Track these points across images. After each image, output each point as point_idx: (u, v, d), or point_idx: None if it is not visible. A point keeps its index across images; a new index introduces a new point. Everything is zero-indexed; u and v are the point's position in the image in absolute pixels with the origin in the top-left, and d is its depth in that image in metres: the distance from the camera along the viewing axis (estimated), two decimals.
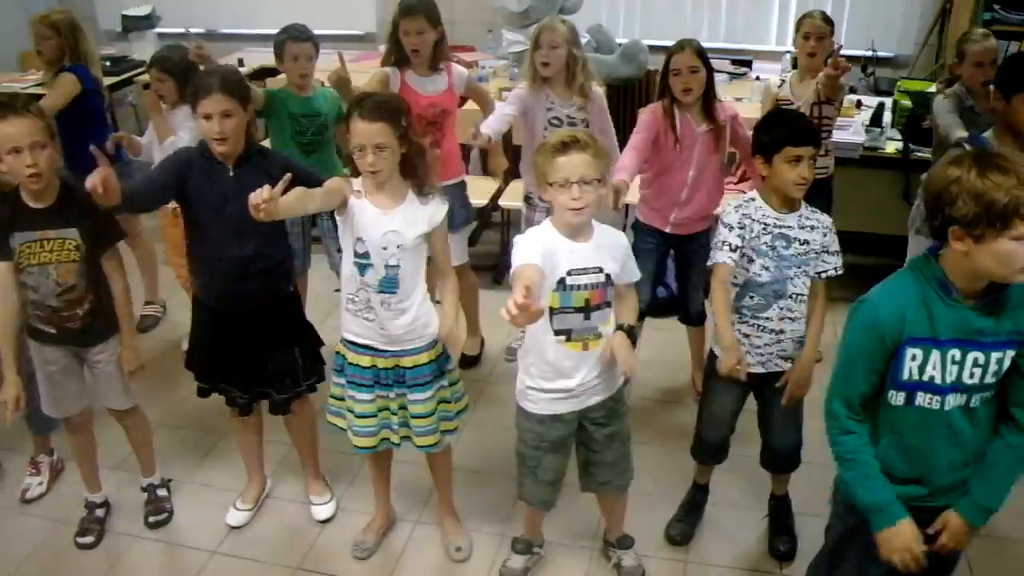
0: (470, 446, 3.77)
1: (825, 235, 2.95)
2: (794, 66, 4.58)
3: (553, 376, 2.79)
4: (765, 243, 2.92)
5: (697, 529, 3.45)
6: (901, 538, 2.24)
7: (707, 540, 3.43)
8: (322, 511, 3.54)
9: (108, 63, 6.34)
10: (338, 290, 3.11)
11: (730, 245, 2.93)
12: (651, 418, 4.09)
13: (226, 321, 3.17)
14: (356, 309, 2.93)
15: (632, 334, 2.82)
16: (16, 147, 2.83)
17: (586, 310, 2.72)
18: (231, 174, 2.99)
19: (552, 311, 2.69)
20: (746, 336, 3.03)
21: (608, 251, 2.74)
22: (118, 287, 3.17)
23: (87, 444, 3.50)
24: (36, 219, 3.00)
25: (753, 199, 2.97)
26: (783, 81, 4.38)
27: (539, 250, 2.62)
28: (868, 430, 2.28)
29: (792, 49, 4.89)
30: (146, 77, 6.18)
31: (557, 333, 2.73)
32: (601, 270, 2.71)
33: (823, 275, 2.98)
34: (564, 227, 2.69)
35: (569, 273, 2.67)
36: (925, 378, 2.16)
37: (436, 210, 2.89)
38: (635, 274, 2.86)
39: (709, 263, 3.01)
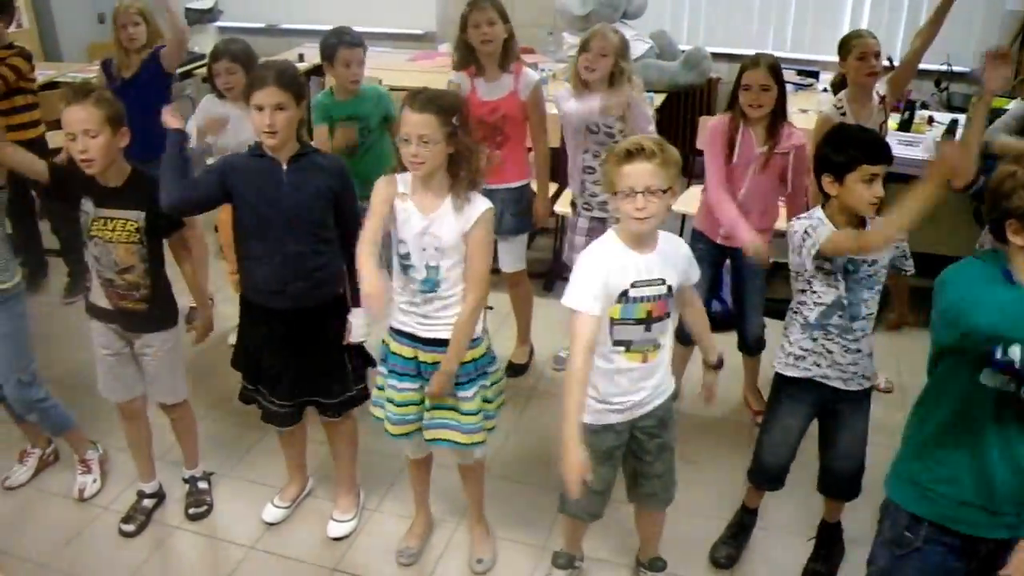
0: (512, 455, 3.71)
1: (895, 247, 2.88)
2: (836, 89, 4.42)
3: (609, 386, 2.72)
4: (842, 261, 2.84)
5: (743, 553, 3.37)
6: None
7: (753, 564, 3.35)
8: (338, 529, 3.48)
9: None
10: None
11: (812, 249, 2.79)
12: (700, 436, 4.00)
13: (274, 322, 3.15)
14: (401, 302, 2.91)
15: (721, 363, 2.91)
16: (71, 133, 2.93)
17: (647, 322, 2.66)
18: (283, 172, 2.98)
19: (613, 322, 2.63)
20: (830, 352, 2.93)
21: (671, 260, 2.68)
22: (188, 266, 3.27)
23: (140, 433, 3.53)
24: (104, 196, 3.07)
25: (820, 219, 2.84)
26: (840, 110, 4.07)
27: (598, 273, 2.58)
28: None
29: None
30: (205, 71, 6.30)
31: (616, 344, 2.68)
32: (664, 282, 2.64)
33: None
34: (628, 236, 2.63)
35: (633, 285, 2.62)
36: None
37: (475, 210, 2.80)
38: (695, 277, 2.80)
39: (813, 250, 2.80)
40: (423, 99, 2.70)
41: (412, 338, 2.91)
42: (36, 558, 3.38)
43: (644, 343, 2.68)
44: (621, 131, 3.84)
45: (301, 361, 3.18)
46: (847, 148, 2.77)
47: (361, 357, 3.29)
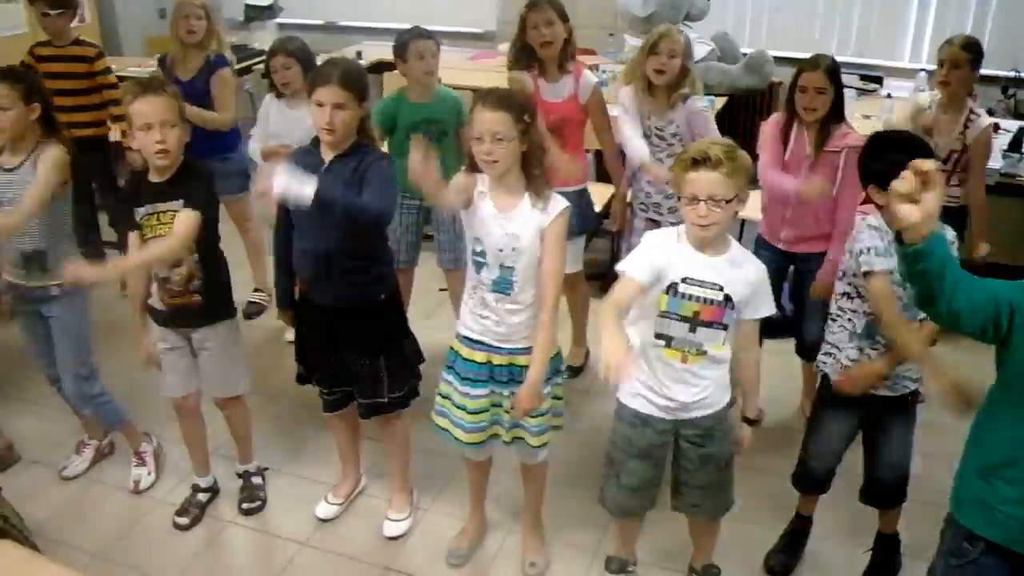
0: (567, 458, 3.67)
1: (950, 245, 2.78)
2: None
3: (650, 375, 2.71)
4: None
5: (798, 562, 3.31)
6: None
7: (808, 573, 3.29)
8: (393, 528, 3.47)
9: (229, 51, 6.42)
10: (443, 289, 3.06)
11: (877, 249, 2.75)
12: (756, 443, 3.90)
13: (314, 313, 3.15)
14: (473, 305, 2.89)
15: (758, 421, 2.86)
16: (148, 123, 2.94)
17: (693, 322, 2.62)
18: (323, 169, 2.96)
19: (659, 313, 2.63)
20: None
21: (740, 275, 2.62)
22: (171, 240, 3.05)
23: (195, 427, 3.55)
24: (155, 193, 3.08)
25: (879, 227, 2.81)
26: (929, 106, 4.04)
27: (657, 252, 2.60)
28: None
29: (927, 66, 4.67)
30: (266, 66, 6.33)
31: (658, 337, 2.66)
32: (721, 289, 2.59)
33: None
34: (692, 238, 2.62)
35: (683, 280, 2.59)
36: None
37: (554, 207, 2.79)
38: (763, 311, 2.69)
39: (864, 268, 2.79)
40: (496, 97, 2.69)
41: (483, 344, 2.90)
42: (92, 549, 3.41)
43: (686, 343, 2.64)
44: (675, 134, 3.81)
45: (337, 356, 3.17)
46: (886, 154, 2.71)
47: (403, 364, 3.23)
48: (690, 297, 2.60)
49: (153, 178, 3.09)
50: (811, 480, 3.18)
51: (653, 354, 2.69)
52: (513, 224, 2.75)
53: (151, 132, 2.94)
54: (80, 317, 3.47)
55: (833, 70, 3.45)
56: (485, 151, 2.67)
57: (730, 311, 2.62)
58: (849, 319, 2.93)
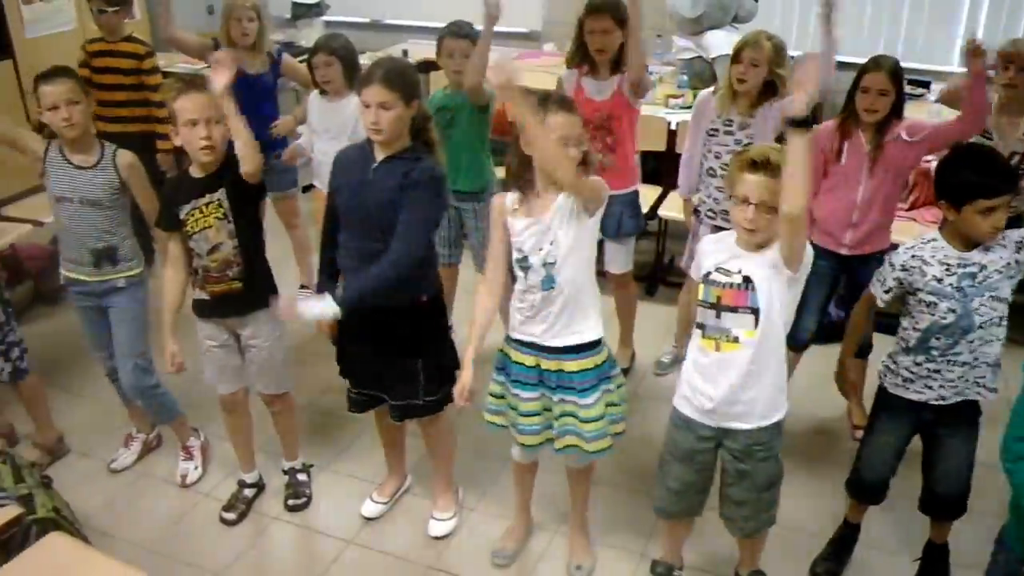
0: (612, 460, 3.62)
1: (1019, 249, 2.75)
2: None
3: (694, 373, 2.73)
4: (950, 285, 2.74)
5: (845, 570, 3.27)
6: None
7: None
8: (439, 527, 3.47)
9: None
10: None
11: (885, 286, 2.88)
12: (804, 448, 3.89)
13: (353, 313, 3.10)
14: (522, 308, 2.87)
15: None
16: (193, 119, 2.97)
17: (717, 308, 2.62)
18: (372, 168, 2.96)
19: (697, 302, 2.69)
20: (936, 372, 2.85)
21: (761, 258, 2.59)
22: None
23: (242, 424, 3.57)
24: (196, 188, 3.11)
25: (934, 239, 2.80)
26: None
27: (701, 250, 2.75)
28: None
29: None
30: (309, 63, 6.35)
31: (697, 325, 2.70)
32: (740, 271, 2.60)
33: None
34: (738, 239, 2.64)
35: (716, 269, 2.63)
36: None
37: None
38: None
39: (869, 286, 2.96)
40: (560, 101, 2.76)
41: (533, 346, 2.89)
42: (140, 541, 3.44)
43: (715, 330, 2.65)
44: (746, 131, 3.77)
45: (370, 356, 3.17)
46: (966, 176, 2.68)
47: (440, 368, 3.19)
48: (715, 283, 2.62)
49: (195, 174, 3.12)
50: (866, 489, 3.14)
51: (694, 345, 2.72)
52: (552, 226, 2.75)
53: (196, 128, 2.98)
54: (140, 308, 3.52)
55: (896, 71, 3.43)
56: (574, 156, 2.70)
57: (753, 293, 2.58)
58: (902, 336, 2.92)
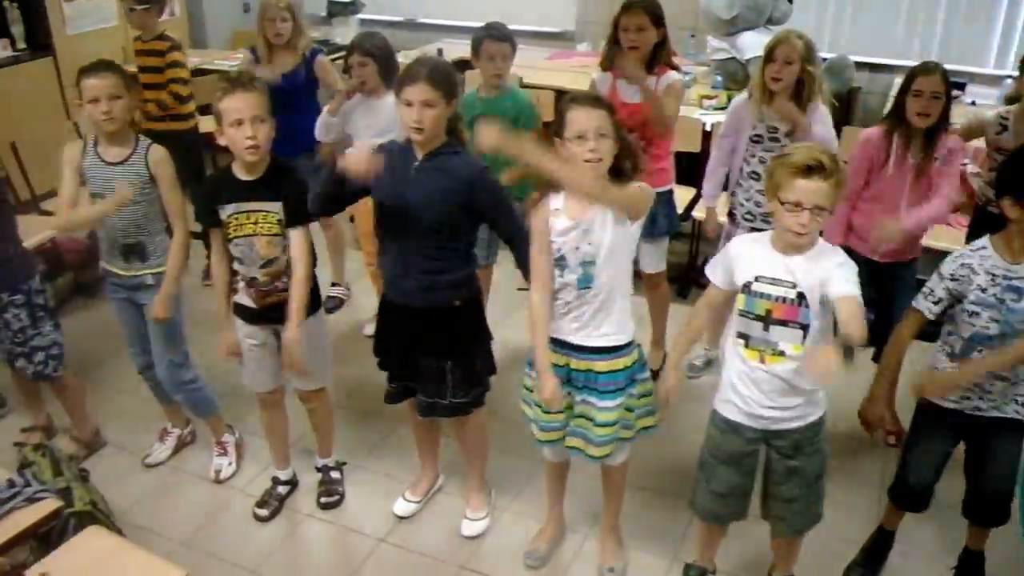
0: (645, 463, 3.64)
1: None
2: (1009, 101, 4.22)
3: (732, 375, 2.71)
4: (993, 295, 2.73)
5: None
6: None
7: None
8: (471, 527, 3.48)
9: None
10: (522, 288, 3.06)
11: (935, 297, 2.84)
12: (835, 453, 3.78)
13: (392, 307, 3.15)
14: (558, 304, 2.86)
15: (849, 348, 2.62)
16: (238, 119, 2.95)
17: (766, 321, 2.59)
18: (415, 167, 2.96)
19: (739, 312, 2.64)
20: (977, 385, 2.84)
21: (813, 267, 2.56)
22: (299, 271, 3.14)
23: (278, 421, 3.59)
24: (244, 191, 3.09)
25: (983, 247, 2.78)
26: (1003, 124, 3.82)
27: (736, 256, 2.66)
28: None
29: (1014, 73, 4.53)
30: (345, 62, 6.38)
31: (738, 335, 2.66)
32: (795, 286, 2.55)
33: None
34: (781, 243, 2.59)
35: (756, 279, 2.59)
36: None
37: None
38: (845, 288, 2.48)
39: (914, 303, 2.91)
40: (589, 96, 2.73)
41: (564, 345, 2.88)
42: (174, 536, 3.47)
43: (761, 343, 2.62)
44: (787, 134, 3.75)
45: (406, 352, 3.17)
46: None
47: (470, 371, 3.19)
48: (762, 295, 2.58)
49: (241, 175, 3.10)
50: (910, 495, 3.09)
51: (736, 354, 2.69)
52: (593, 227, 2.73)
53: (242, 128, 2.96)
54: (173, 305, 3.54)
55: (946, 75, 3.41)
56: (590, 148, 2.64)
57: (806, 310, 2.55)
58: (946, 343, 2.90)
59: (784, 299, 2.56)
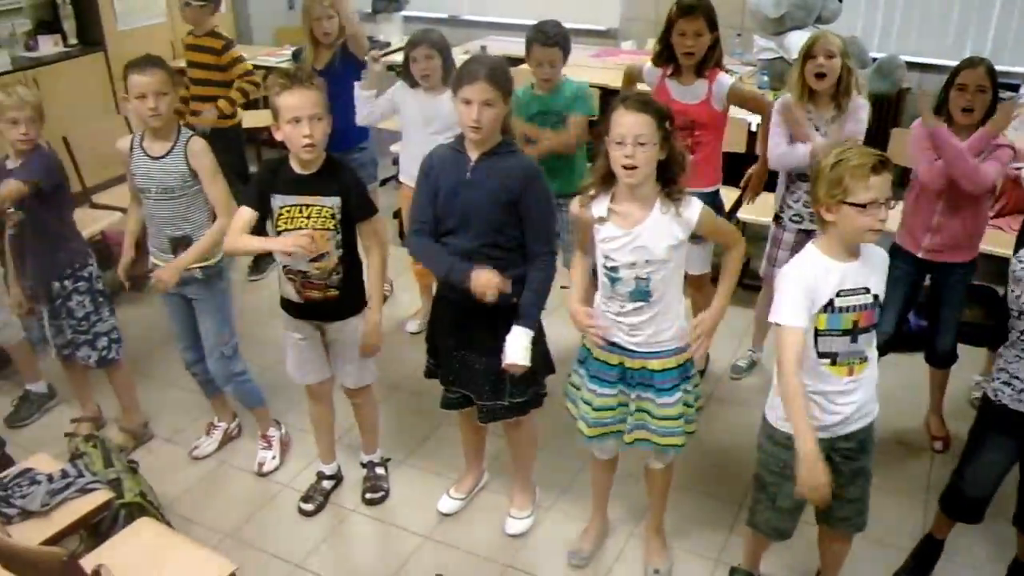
0: (687, 464, 3.62)
1: None
2: None
3: (812, 407, 2.62)
4: None
5: None
6: None
7: None
8: (515, 526, 3.48)
9: None
10: (564, 287, 3.05)
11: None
12: (882, 459, 3.76)
13: (447, 307, 3.15)
14: (608, 311, 2.86)
15: None
16: (296, 117, 2.96)
17: (853, 332, 2.55)
18: (469, 167, 2.96)
19: (818, 333, 2.55)
20: None
21: (876, 269, 2.57)
22: (375, 258, 3.24)
23: (325, 414, 3.61)
24: (299, 185, 3.11)
25: None
26: None
27: (808, 285, 2.52)
28: None
29: None
30: (391, 58, 6.41)
31: (821, 356, 2.59)
32: (868, 290, 2.54)
33: None
34: (832, 247, 2.54)
35: (838, 294, 2.53)
36: None
37: (690, 213, 2.72)
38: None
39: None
40: (638, 100, 2.65)
41: (618, 346, 2.87)
42: (219, 528, 3.51)
43: (850, 355, 2.58)
44: (827, 133, 3.71)
45: (461, 354, 3.16)
46: None
47: (524, 377, 3.14)
48: (848, 309, 2.54)
49: (297, 169, 3.11)
50: (963, 506, 3.04)
51: (818, 384, 2.61)
52: (642, 238, 2.71)
53: (299, 125, 2.96)
54: (222, 298, 3.59)
55: (992, 70, 3.36)
56: (626, 155, 2.61)
57: (878, 309, 2.57)
58: (1018, 341, 2.79)
59: (865, 306, 2.55)
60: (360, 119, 4.39)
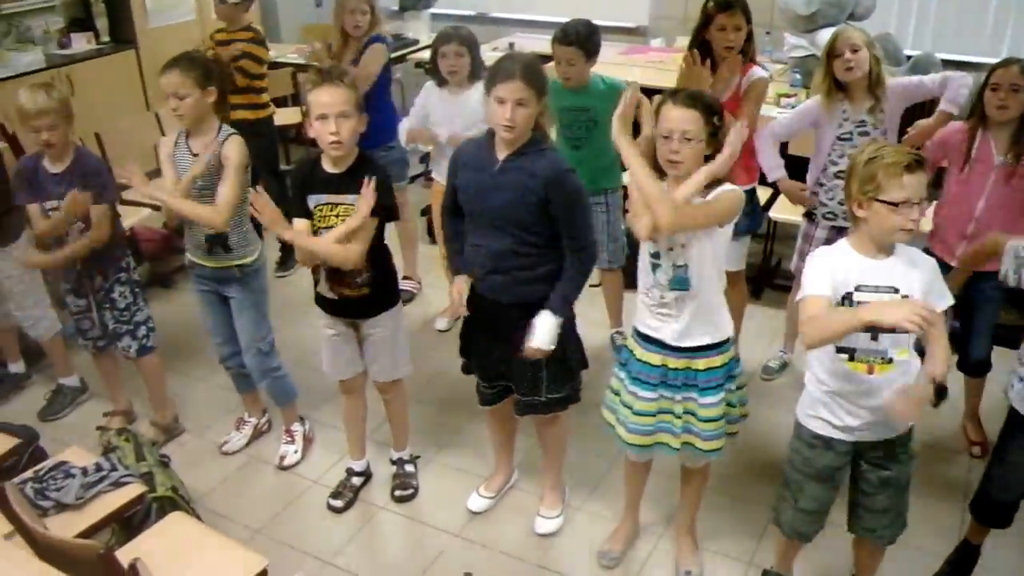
0: (719, 466, 3.59)
1: None
2: None
3: (834, 396, 2.62)
4: None
5: None
6: None
7: None
8: (545, 525, 3.46)
9: None
10: (594, 285, 3.02)
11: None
12: (919, 463, 3.76)
13: (481, 303, 3.12)
14: (650, 303, 2.84)
15: (942, 392, 2.46)
16: (324, 114, 2.95)
17: (873, 330, 2.50)
18: (498, 167, 2.93)
19: None
20: None
21: (910, 272, 2.51)
22: (355, 246, 3.09)
23: (357, 409, 3.60)
24: (331, 184, 3.10)
25: None
26: None
27: (829, 269, 2.51)
28: None
29: None
30: (419, 55, 6.41)
31: (839, 351, 2.56)
32: (896, 291, 2.49)
33: None
34: (862, 243, 2.52)
35: (857, 289, 2.50)
36: None
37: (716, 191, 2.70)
38: (940, 303, 2.53)
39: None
40: (687, 95, 2.63)
41: (661, 345, 2.85)
42: (249, 524, 3.51)
43: (869, 352, 2.54)
44: (875, 125, 3.69)
45: (496, 350, 3.15)
46: None
47: (565, 366, 3.15)
48: (866, 305, 2.49)
49: (328, 168, 3.11)
50: (992, 511, 3.02)
51: (835, 371, 2.59)
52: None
53: (327, 122, 2.96)
54: (259, 295, 3.60)
55: None
56: (672, 150, 2.61)
57: None
58: None
59: None
60: (404, 140, 4.44)
